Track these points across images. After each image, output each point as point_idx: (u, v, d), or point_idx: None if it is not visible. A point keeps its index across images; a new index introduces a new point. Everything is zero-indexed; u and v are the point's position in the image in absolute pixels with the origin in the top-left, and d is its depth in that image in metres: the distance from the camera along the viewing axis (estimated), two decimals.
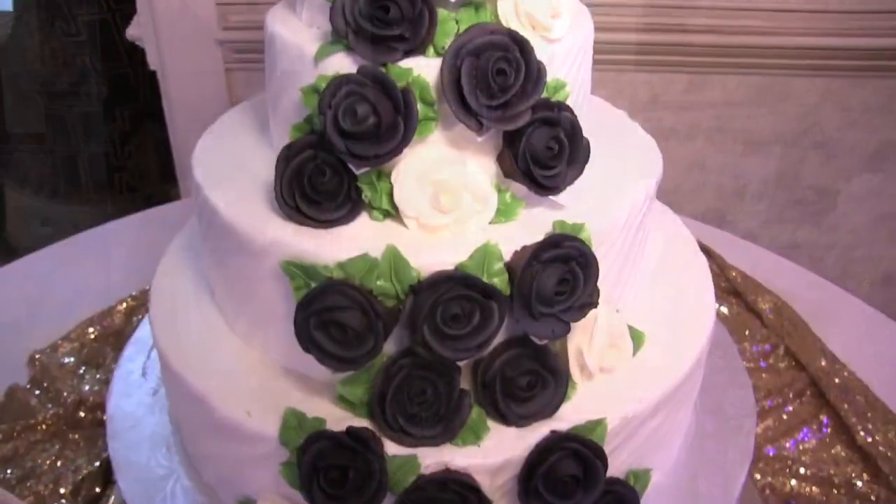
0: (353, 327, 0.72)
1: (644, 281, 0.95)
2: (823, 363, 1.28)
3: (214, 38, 1.75)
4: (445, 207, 0.73)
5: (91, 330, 1.33)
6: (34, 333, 1.30)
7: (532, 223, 0.78)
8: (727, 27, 1.75)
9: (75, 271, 1.46)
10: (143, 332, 1.16)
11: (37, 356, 1.26)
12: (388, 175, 0.75)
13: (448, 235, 0.75)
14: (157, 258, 1.43)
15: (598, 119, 0.93)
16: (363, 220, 0.78)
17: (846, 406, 1.20)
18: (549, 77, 0.75)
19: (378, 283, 0.72)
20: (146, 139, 2.68)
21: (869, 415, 1.20)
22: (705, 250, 1.47)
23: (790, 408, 1.23)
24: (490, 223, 0.77)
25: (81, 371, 1.26)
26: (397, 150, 0.71)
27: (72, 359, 1.28)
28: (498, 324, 0.73)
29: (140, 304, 1.37)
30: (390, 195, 0.75)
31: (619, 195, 0.83)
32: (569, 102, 0.78)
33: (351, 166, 0.75)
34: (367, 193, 0.75)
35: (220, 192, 0.82)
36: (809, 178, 1.97)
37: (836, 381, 1.25)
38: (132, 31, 1.82)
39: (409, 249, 0.73)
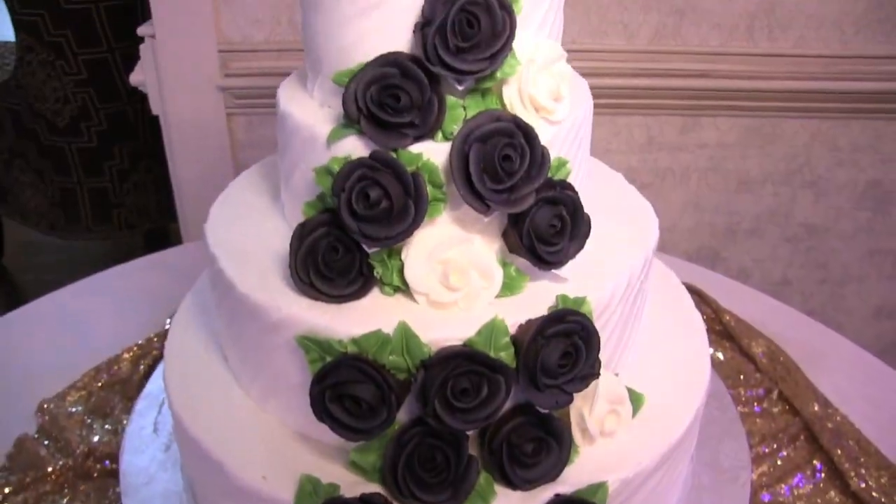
0: (367, 400, 0.75)
1: (642, 340, 0.98)
2: (816, 408, 1.31)
3: (216, 84, 1.79)
4: (454, 285, 0.77)
5: (98, 378, 1.35)
6: (41, 381, 1.31)
7: (536, 296, 0.81)
8: (719, 72, 1.80)
9: (80, 317, 1.49)
10: (153, 386, 1.18)
11: (45, 405, 1.28)
12: (399, 252, 0.78)
13: (457, 311, 0.78)
14: (162, 304, 1.47)
15: (596, 183, 0.97)
16: (375, 295, 0.81)
17: (839, 451, 1.23)
18: (552, 156, 0.79)
19: (391, 357, 0.75)
20: (145, 176, 2.72)
21: (862, 460, 1.22)
22: (699, 294, 1.52)
23: (784, 453, 1.25)
24: (496, 297, 0.80)
25: (89, 421, 1.28)
26: (408, 232, 0.75)
27: (79, 408, 1.29)
28: (505, 396, 0.76)
29: (146, 352, 1.40)
30: (401, 272, 0.78)
31: (618, 265, 0.86)
32: (570, 178, 0.82)
33: (363, 245, 0.78)
34: (378, 270, 0.79)
35: (234, 264, 0.85)
36: (800, 216, 2.01)
37: (829, 425, 1.27)
38: (135, 77, 1.86)
39: (420, 324, 0.76)
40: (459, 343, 0.76)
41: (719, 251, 2.03)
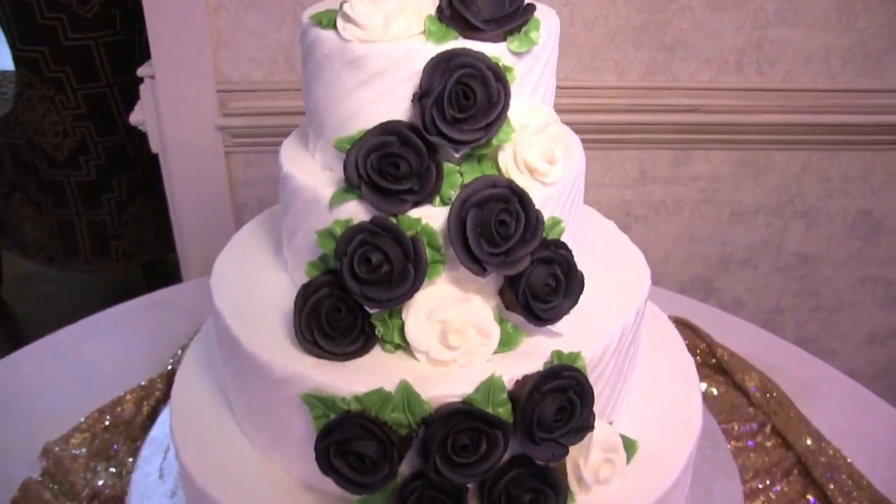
0: (370, 456, 0.77)
1: (635, 385, 1.01)
2: (809, 442, 1.33)
3: (215, 123, 1.82)
4: (453, 344, 0.79)
5: (101, 420, 1.37)
6: (44, 423, 1.33)
7: (532, 351, 0.84)
8: (709, 106, 1.84)
9: (82, 358, 1.50)
10: (158, 431, 1.20)
11: (49, 448, 1.29)
12: (400, 312, 0.81)
13: (456, 367, 0.81)
14: (164, 344, 1.50)
15: (589, 232, 1.00)
16: (377, 352, 0.83)
17: (832, 486, 1.26)
18: (546, 216, 0.82)
19: (393, 415, 0.78)
20: (143, 208, 2.74)
21: (854, 493, 1.25)
22: (692, 328, 1.55)
23: (778, 487, 1.28)
24: (494, 352, 0.83)
25: (93, 464, 1.29)
26: (409, 295, 0.78)
27: (83, 450, 1.31)
28: (503, 450, 0.78)
29: (149, 393, 1.42)
30: (402, 331, 0.81)
31: (611, 318, 0.89)
32: (564, 235, 0.85)
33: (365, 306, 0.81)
34: (379, 329, 0.81)
35: (240, 321, 0.88)
36: (793, 246, 2.04)
37: (822, 459, 1.30)
38: (134, 117, 1.89)
39: (420, 381, 0.79)
40: (459, 400, 0.78)
41: (713, 281, 2.06)
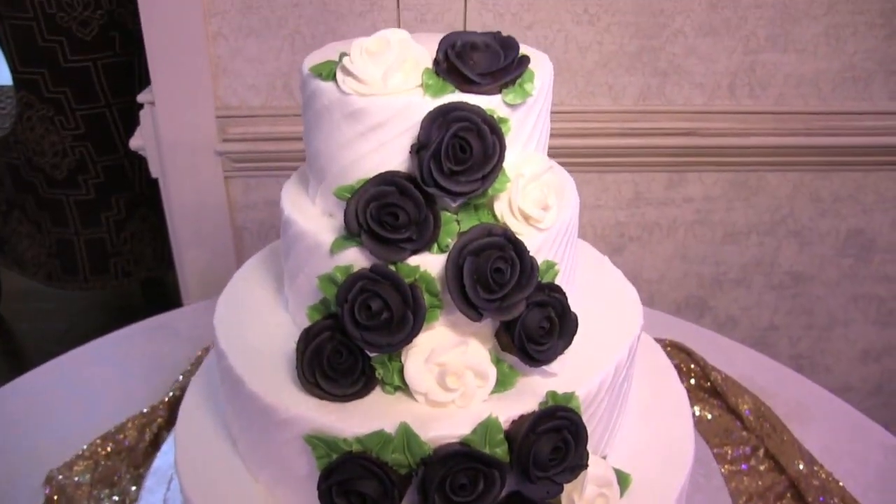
0: (371, 495, 0.80)
1: (628, 419, 1.03)
2: (802, 466, 1.35)
3: (214, 149, 1.84)
4: (451, 386, 0.82)
5: (104, 447, 1.38)
6: (47, 451, 1.34)
7: (528, 391, 0.86)
8: (703, 129, 1.86)
9: (84, 384, 1.52)
10: (161, 462, 1.22)
11: (53, 476, 1.30)
12: (399, 355, 0.84)
13: (454, 408, 0.83)
14: (165, 369, 1.52)
15: (583, 268, 1.03)
16: (377, 394, 0.86)
17: None
18: (540, 260, 0.85)
19: (393, 455, 0.80)
20: (141, 225, 2.77)
21: None
22: (687, 352, 1.57)
23: None
24: (490, 393, 0.85)
25: (96, 492, 1.30)
26: (408, 340, 0.80)
27: (87, 477, 1.32)
28: (500, 489, 0.81)
29: (151, 420, 1.43)
30: (401, 373, 0.84)
31: (604, 357, 0.91)
32: (558, 278, 0.87)
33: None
34: (380, 371, 0.84)
35: (243, 361, 0.90)
36: (786, 265, 2.07)
37: (815, 483, 1.32)
38: (134, 142, 1.91)
39: (419, 422, 0.81)
40: (457, 440, 0.81)
41: (707, 300, 2.09)
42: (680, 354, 1.56)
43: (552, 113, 0.95)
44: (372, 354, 0.84)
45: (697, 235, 2.01)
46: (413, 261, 0.82)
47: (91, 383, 1.52)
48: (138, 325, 1.72)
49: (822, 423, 1.45)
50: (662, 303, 2.07)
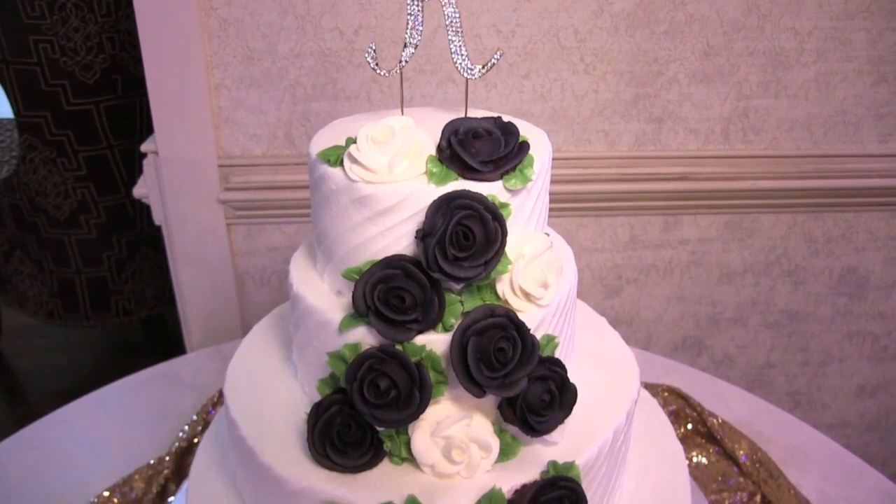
0: None
1: (627, 478, 1.06)
2: None
3: (217, 198, 1.87)
4: (456, 459, 0.85)
5: (111, 501, 1.40)
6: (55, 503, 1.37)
7: (530, 460, 0.89)
8: (697, 174, 1.90)
9: (89, 435, 1.54)
10: None
11: None
12: (406, 428, 0.87)
13: (459, 479, 0.87)
14: (171, 418, 1.54)
15: (581, 331, 1.06)
16: (385, 465, 0.89)
17: None
18: (540, 335, 0.88)
19: None
20: (142, 264, 2.79)
21: None
22: (684, 398, 1.60)
23: None
24: (494, 463, 0.89)
25: None
26: (414, 416, 0.83)
27: None
28: None
29: (157, 472, 1.46)
30: (408, 445, 0.87)
31: (603, 423, 0.94)
32: (558, 350, 0.91)
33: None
34: (387, 444, 0.87)
35: (255, 432, 0.93)
36: (781, 304, 2.10)
37: None
38: (138, 190, 1.94)
39: (426, 493, 0.84)
40: None
41: (704, 339, 2.12)
42: (677, 400, 1.59)
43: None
44: (380, 429, 0.87)
45: (693, 276, 2.04)
46: (419, 340, 0.85)
47: (96, 434, 1.54)
48: (142, 374, 1.74)
49: (818, 468, 1.48)
50: (660, 343, 2.10)
